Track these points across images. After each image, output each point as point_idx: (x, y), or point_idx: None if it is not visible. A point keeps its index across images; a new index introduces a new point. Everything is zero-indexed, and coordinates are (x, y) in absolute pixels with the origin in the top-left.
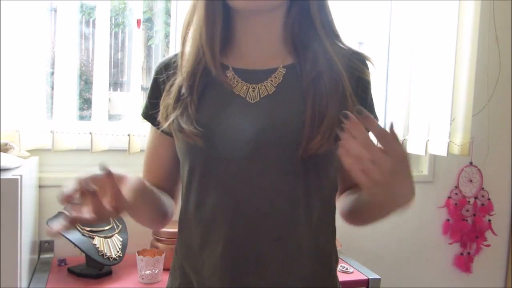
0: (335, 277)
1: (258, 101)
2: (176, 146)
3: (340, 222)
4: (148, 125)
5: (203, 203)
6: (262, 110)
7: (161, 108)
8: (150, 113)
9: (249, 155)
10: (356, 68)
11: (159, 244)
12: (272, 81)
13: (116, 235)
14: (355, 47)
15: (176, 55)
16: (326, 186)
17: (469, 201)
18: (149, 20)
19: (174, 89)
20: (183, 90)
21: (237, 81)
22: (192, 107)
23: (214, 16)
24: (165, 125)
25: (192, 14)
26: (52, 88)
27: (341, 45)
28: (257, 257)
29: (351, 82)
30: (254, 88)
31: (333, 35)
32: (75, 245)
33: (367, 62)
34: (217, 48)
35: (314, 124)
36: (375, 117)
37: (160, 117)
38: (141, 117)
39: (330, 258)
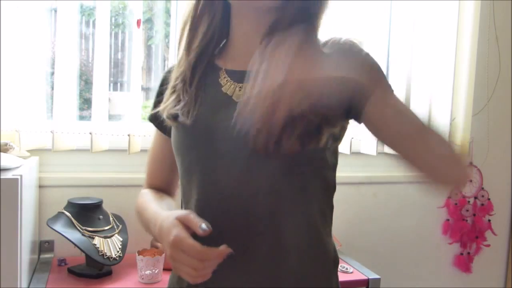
0: (332, 277)
1: None
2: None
3: (340, 223)
4: (148, 126)
5: (189, 201)
6: None
7: (161, 107)
8: (156, 116)
9: (231, 152)
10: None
11: (159, 244)
12: None
13: (116, 235)
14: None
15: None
16: (313, 182)
17: (469, 201)
18: (149, 20)
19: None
20: (177, 82)
21: (227, 81)
22: (185, 94)
23: (209, 16)
24: (164, 114)
25: (189, 14)
26: (52, 88)
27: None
28: (243, 253)
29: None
30: (241, 87)
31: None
32: (75, 245)
33: (355, 46)
34: (210, 49)
35: (289, 121)
36: (390, 89)
37: (162, 111)
38: (147, 119)
39: (325, 258)
